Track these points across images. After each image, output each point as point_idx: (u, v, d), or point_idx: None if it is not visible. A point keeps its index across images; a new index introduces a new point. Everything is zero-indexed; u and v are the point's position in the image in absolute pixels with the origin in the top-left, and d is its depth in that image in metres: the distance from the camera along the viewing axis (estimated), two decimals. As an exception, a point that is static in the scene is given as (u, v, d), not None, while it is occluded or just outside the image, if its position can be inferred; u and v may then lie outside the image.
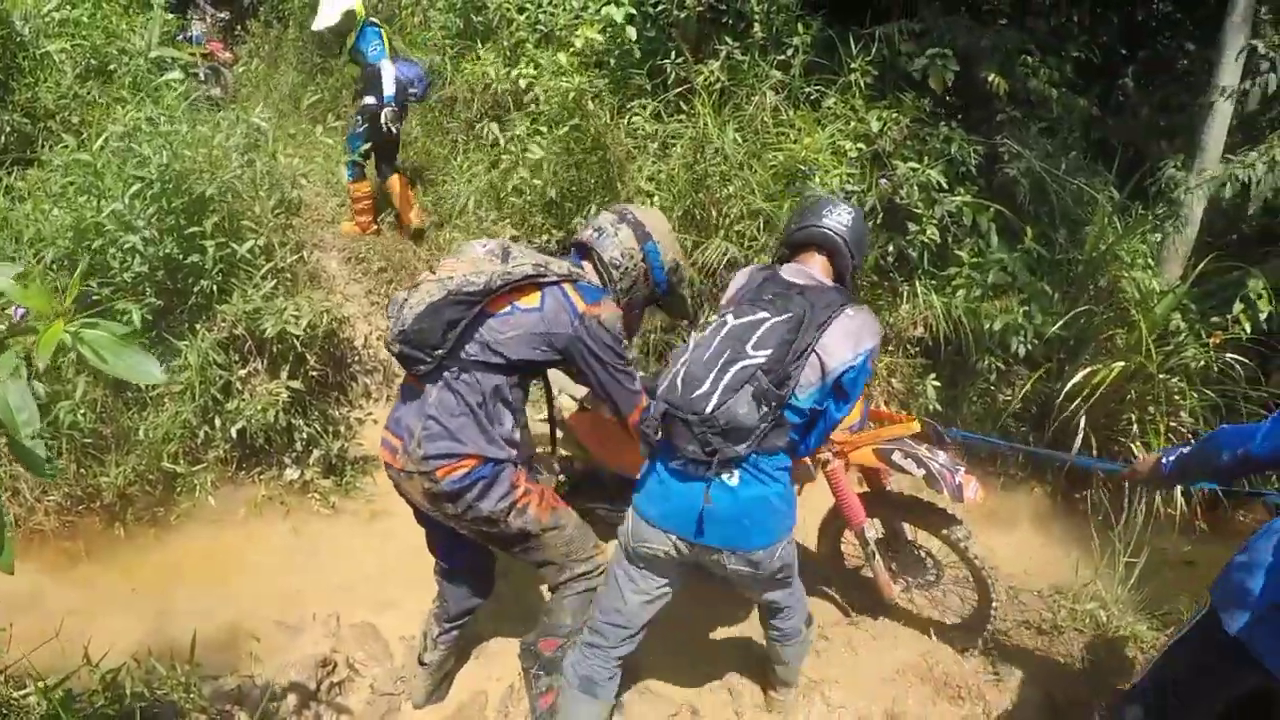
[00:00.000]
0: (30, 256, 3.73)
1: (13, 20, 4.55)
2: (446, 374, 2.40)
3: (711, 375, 2.13)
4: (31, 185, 4.11)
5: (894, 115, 4.38)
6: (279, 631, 3.26)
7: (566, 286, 2.45)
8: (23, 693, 2.36)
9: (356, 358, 4.81)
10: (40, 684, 2.32)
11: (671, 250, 2.68)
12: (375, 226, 5.78)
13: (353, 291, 5.14)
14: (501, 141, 4.84)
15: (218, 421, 3.86)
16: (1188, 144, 4.77)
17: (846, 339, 2.23)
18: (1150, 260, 4.57)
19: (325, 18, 5.44)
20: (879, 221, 4.46)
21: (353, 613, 3.35)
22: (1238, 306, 4.33)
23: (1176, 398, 4.34)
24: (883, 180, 4.18)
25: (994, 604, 3.18)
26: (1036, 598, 3.77)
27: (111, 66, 4.57)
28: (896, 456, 2.96)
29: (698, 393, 2.12)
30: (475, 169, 5.02)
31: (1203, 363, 4.29)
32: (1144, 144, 5.20)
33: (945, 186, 4.35)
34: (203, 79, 6.20)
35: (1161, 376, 4.29)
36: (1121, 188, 4.79)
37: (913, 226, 4.41)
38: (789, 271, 2.41)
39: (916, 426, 3.05)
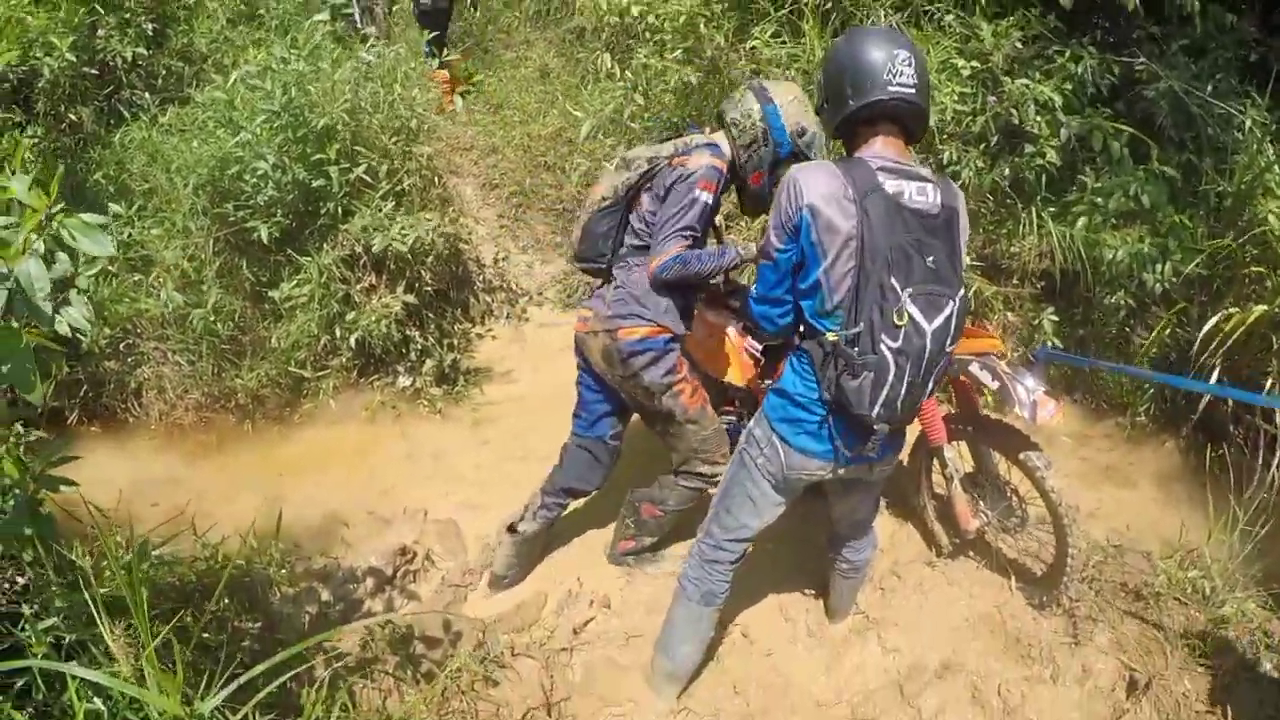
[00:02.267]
0: (178, 182, 4.16)
1: (168, -25, 5.00)
2: (626, 261, 2.85)
3: (925, 388, 2.05)
4: (180, 121, 4.55)
5: (1008, 28, 4.02)
6: (370, 522, 3.58)
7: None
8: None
9: (481, 277, 5.09)
10: (141, 543, 2.65)
11: (797, 116, 2.73)
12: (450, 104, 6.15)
13: (484, 215, 5.44)
14: (618, 71, 4.85)
15: (338, 331, 4.19)
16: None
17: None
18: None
19: None
20: (992, 144, 4.15)
21: (440, 510, 3.63)
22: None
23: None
24: (991, 99, 3.86)
25: (1071, 549, 2.95)
26: (1143, 559, 3.51)
27: (260, 11, 4.92)
28: (973, 367, 2.89)
29: (915, 407, 2.10)
30: (604, 98, 5.08)
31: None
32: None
33: (1064, 106, 3.97)
34: (358, 19, 6.49)
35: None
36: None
37: (1029, 149, 4.07)
38: (890, 182, 1.98)
39: (999, 344, 2.95)
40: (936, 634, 3.04)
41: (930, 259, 1.95)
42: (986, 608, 3.15)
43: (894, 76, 1.98)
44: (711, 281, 3.26)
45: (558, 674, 2.86)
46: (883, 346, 1.93)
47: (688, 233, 2.64)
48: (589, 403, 3.08)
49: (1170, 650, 3.04)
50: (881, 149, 2.07)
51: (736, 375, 3.26)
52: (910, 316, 1.91)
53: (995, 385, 2.82)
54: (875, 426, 2.04)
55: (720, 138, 2.82)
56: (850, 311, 1.99)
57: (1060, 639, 3.05)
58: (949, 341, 2.00)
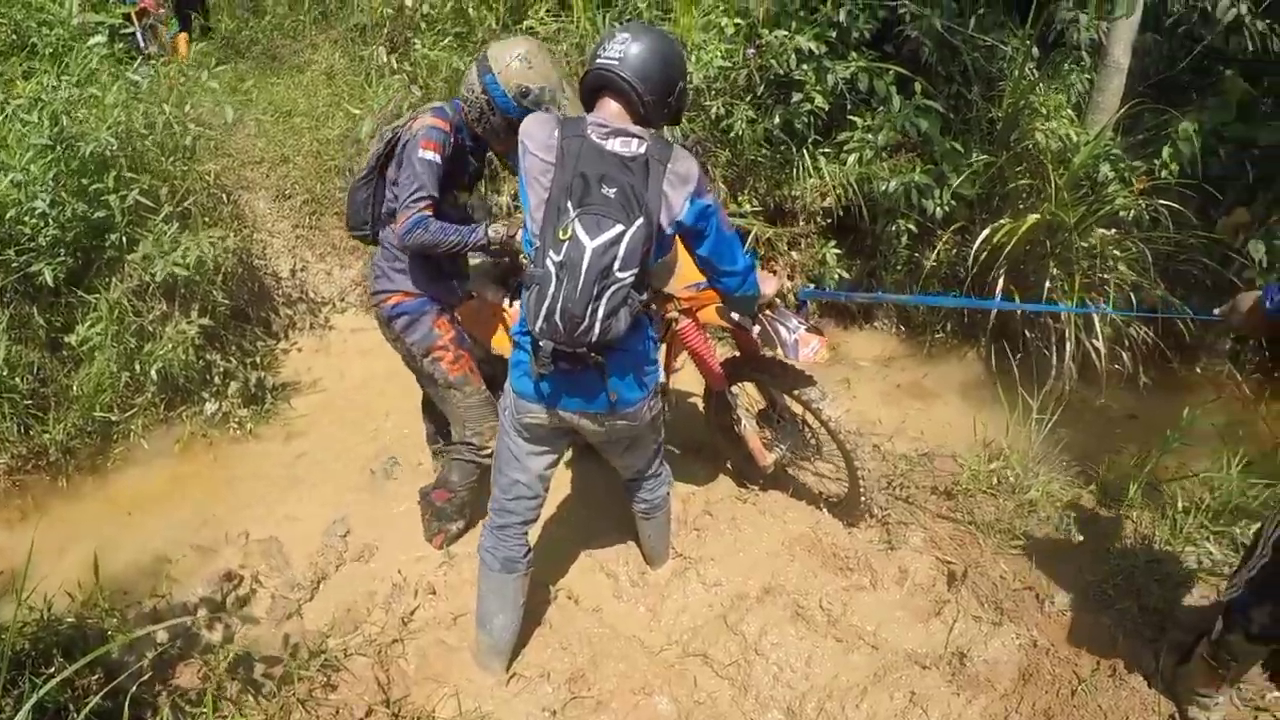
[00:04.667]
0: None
1: (-82, 16, 4.60)
2: (382, 232, 2.97)
3: (589, 309, 2.06)
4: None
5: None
6: (194, 554, 3.46)
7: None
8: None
9: (280, 290, 4.96)
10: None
11: (518, 78, 2.70)
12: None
13: (280, 228, 5.24)
14: (394, 65, 4.83)
15: (138, 366, 4.01)
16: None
17: (675, 193, 2.16)
18: (1071, 113, 4.36)
19: None
20: (759, 94, 4.34)
21: (262, 529, 3.54)
22: (1166, 150, 4.17)
23: (1112, 250, 4.17)
24: (750, 52, 4.04)
25: (860, 470, 3.08)
26: (951, 461, 3.73)
27: (33, 40, 4.62)
28: (735, 315, 2.90)
29: (580, 329, 2.08)
30: (386, 94, 5.03)
31: (1133, 213, 4.12)
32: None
33: (828, 53, 4.20)
34: (140, 39, 6.25)
35: (1100, 230, 4.16)
36: (1040, 41, 4.54)
37: (797, 96, 4.27)
38: (597, 132, 2.14)
39: None
40: (755, 562, 3.13)
41: (612, 190, 2.07)
42: (801, 530, 3.26)
43: (604, 52, 2.19)
44: (486, 260, 3.30)
45: (392, 666, 2.84)
46: (548, 260, 2.07)
47: (420, 194, 2.66)
48: None
49: (983, 539, 3.23)
50: (600, 113, 2.23)
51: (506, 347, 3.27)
52: (574, 231, 2.04)
53: (756, 330, 2.90)
54: (540, 342, 2.13)
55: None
56: (539, 235, 2.13)
57: (875, 547, 3.21)
58: (617, 264, 2.06)
